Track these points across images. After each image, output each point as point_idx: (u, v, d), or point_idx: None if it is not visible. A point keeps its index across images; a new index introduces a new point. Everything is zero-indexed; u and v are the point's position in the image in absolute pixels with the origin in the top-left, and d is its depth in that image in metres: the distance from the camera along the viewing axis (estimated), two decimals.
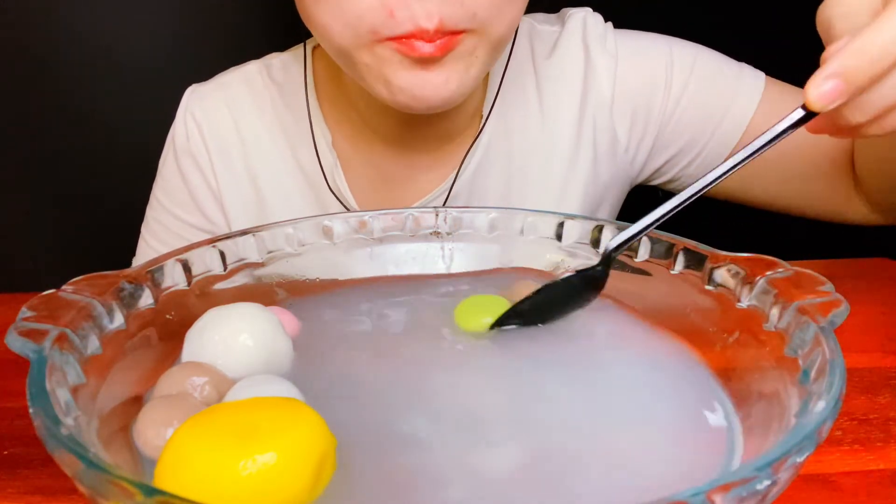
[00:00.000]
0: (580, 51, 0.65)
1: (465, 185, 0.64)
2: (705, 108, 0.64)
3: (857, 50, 0.32)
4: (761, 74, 0.64)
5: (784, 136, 0.34)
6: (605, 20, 0.66)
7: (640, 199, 0.71)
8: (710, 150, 0.65)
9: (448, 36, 0.48)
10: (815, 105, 0.33)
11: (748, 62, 0.65)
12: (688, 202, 0.36)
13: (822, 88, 0.32)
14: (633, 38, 0.66)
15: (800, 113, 0.33)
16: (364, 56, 0.50)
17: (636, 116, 0.65)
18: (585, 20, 0.66)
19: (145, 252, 0.69)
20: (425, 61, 0.49)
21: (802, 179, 0.64)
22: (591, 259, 0.42)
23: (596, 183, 0.66)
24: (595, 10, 0.67)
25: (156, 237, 0.68)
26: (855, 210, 0.64)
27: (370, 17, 0.47)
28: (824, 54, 0.34)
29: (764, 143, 0.34)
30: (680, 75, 0.64)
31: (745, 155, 0.34)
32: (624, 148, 0.66)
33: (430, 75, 0.50)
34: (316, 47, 0.66)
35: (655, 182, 0.69)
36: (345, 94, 0.63)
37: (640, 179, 0.69)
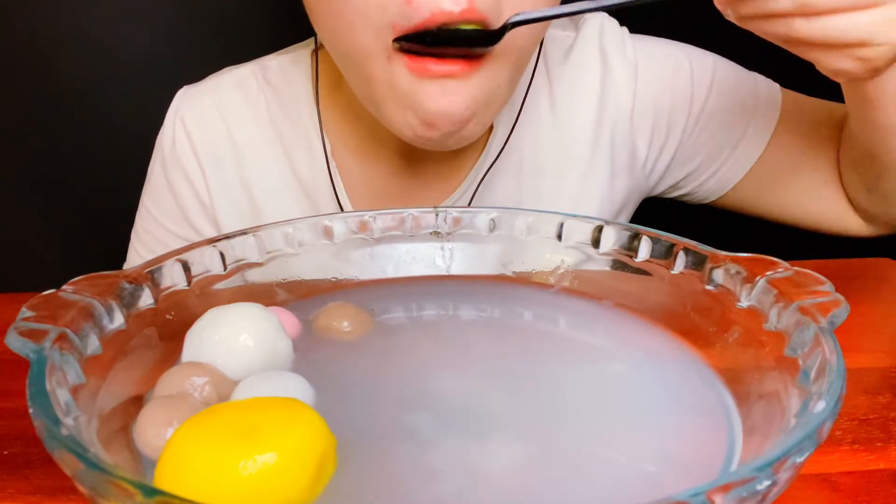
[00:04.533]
0: (597, 58, 0.63)
1: (475, 201, 0.62)
2: (727, 122, 0.63)
3: None
4: (775, 84, 0.64)
5: None
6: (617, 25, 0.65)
7: (643, 205, 0.70)
8: (731, 164, 0.64)
9: (468, 62, 0.45)
10: None
11: (760, 69, 0.65)
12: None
13: None
14: (653, 46, 0.64)
15: None
16: (379, 72, 0.47)
17: (657, 129, 0.63)
18: (602, 26, 0.64)
19: (135, 261, 0.66)
20: (442, 79, 0.46)
21: (808, 191, 0.64)
22: (593, 260, 0.42)
23: (612, 199, 0.64)
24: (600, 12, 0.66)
25: (145, 246, 0.66)
26: (854, 222, 0.65)
27: (390, 9, 0.45)
28: None
29: None
30: (700, 89, 0.63)
31: None
32: (642, 162, 0.64)
33: (450, 102, 0.46)
34: (318, 49, 0.64)
35: (669, 196, 0.68)
36: (347, 100, 0.61)
37: (655, 193, 0.68)
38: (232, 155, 0.63)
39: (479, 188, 0.62)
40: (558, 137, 0.63)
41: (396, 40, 0.46)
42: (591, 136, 0.63)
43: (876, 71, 0.43)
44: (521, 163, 0.63)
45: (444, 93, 0.46)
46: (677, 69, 0.63)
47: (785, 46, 0.43)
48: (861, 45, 0.41)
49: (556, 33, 0.65)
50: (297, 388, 0.31)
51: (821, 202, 0.65)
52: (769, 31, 0.43)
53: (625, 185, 0.64)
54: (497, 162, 0.62)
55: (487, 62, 0.47)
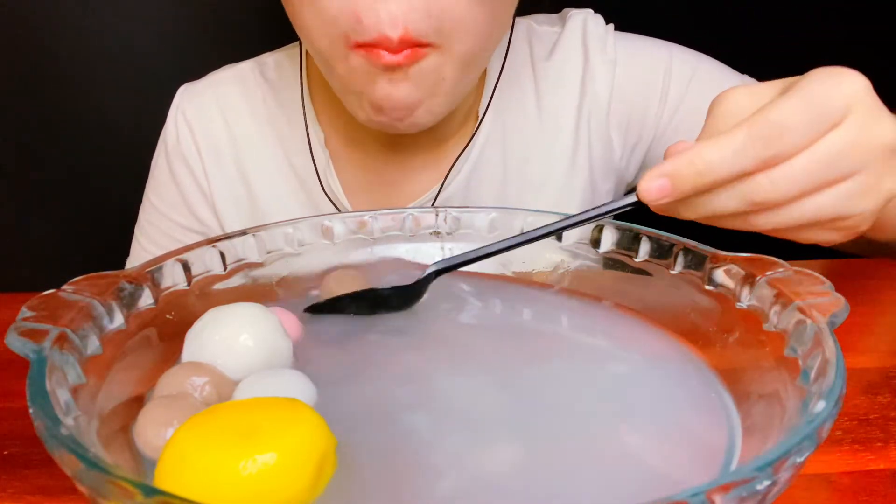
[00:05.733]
0: (579, 53, 0.64)
1: (461, 188, 0.64)
2: (702, 121, 0.63)
3: (687, 160, 0.34)
4: None
5: (614, 213, 0.37)
6: (607, 22, 0.66)
7: (642, 204, 0.70)
8: None
9: (413, 48, 0.48)
10: (642, 197, 0.35)
11: (748, 67, 0.65)
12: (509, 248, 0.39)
13: (651, 184, 0.35)
14: (633, 42, 0.65)
15: (633, 198, 0.36)
16: (340, 66, 0.51)
17: (630, 125, 0.64)
18: (586, 21, 0.65)
19: (139, 254, 0.68)
20: (391, 69, 0.49)
21: None
22: (593, 260, 0.42)
23: (594, 189, 0.65)
24: (596, 11, 0.66)
25: (149, 238, 0.68)
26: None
27: (342, 21, 0.48)
28: (668, 149, 0.36)
29: (592, 215, 0.37)
30: (677, 85, 0.63)
31: (568, 223, 0.38)
32: (619, 156, 0.65)
33: (395, 89, 0.50)
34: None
35: None
36: None
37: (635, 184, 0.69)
38: (231, 147, 0.65)
39: (465, 178, 0.63)
40: (543, 130, 0.65)
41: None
42: (572, 128, 0.64)
43: (859, 233, 0.38)
44: (507, 153, 0.64)
45: (391, 81, 0.50)
46: (655, 65, 0.64)
47: (764, 232, 0.38)
48: (835, 219, 0.36)
49: (543, 29, 0.66)
50: (300, 384, 0.31)
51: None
52: (729, 226, 0.37)
53: (604, 176, 0.66)
54: (483, 153, 0.64)
55: (429, 56, 0.49)
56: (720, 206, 0.36)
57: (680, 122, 0.64)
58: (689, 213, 0.37)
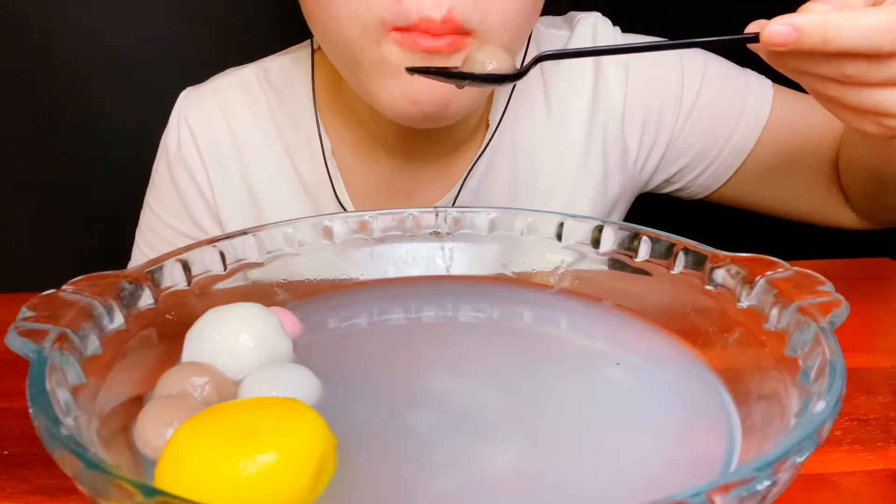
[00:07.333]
0: (590, 57, 0.64)
1: (470, 196, 0.63)
2: (717, 118, 0.63)
3: (820, 22, 0.36)
4: (767, 80, 0.64)
5: (729, 44, 0.39)
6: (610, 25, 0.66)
7: (643, 204, 0.70)
8: (722, 160, 0.64)
9: (455, 35, 0.47)
10: (766, 37, 0.37)
11: (753, 66, 0.65)
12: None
13: (779, 28, 0.36)
14: None
15: (753, 36, 0.38)
16: (369, 55, 0.49)
17: (647, 127, 0.64)
18: (595, 26, 0.64)
19: (139, 259, 0.67)
20: (430, 55, 0.47)
21: (801, 187, 0.65)
22: (593, 260, 0.42)
23: (605, 195, 0.65)
24: (594, 12, 0.66)
25: (149, 245, 0.67)
26: (847, 216, 0.66)
27: (378, 5, 0.46)
28: (808, 4, 0.38)
29: (714, 40, 0.39)
30: (691, 84, 0.63)
31: (690, 42, 0.40)
32: (633, 159, 0.65)
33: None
34: (316, 51, 0.65)
35: (664, 191, 0.69)
36: (347, 100, 0.62)
37: (648, 189, 0.68)
38: (235, 154, 0.64)
39: (475, 186, 0.63)
40: (553, 135, 0.64)
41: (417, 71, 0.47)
42: (584, 134, 0.64)
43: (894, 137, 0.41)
44: (517, 161, 0.64)
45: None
46: (667, 67, 0.64)
47: (814, 95, 0.42)
48: (891, 116, 0.39)
49: (552, 32, 0.65)
50: (304, 379, 0.32)
51: (813, 197, 0.65)
52: (803, 82, 0.41)
53: (617, 181, 0.65)
54: (493, 160, 0.63)
55: (472, 44, 0.48)
56: (815, 68, 0.38)
57: (696, 119, 0.64)
58: (789, 64, 0.39)
